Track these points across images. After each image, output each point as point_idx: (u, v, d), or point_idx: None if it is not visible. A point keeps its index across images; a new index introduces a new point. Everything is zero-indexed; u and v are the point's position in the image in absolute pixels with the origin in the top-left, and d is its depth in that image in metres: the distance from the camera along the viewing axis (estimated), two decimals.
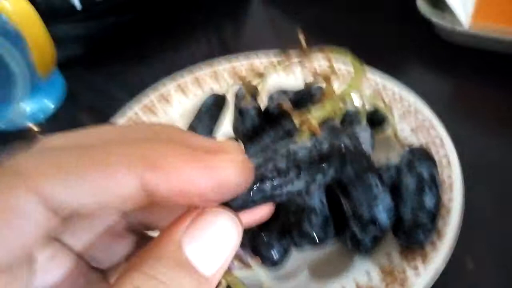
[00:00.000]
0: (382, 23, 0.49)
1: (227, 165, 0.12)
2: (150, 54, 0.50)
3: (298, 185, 0.14)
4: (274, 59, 0.30)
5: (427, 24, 0.44)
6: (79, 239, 0.15)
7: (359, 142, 0.27)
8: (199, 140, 0.14)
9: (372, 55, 0.44)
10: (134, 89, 0.44)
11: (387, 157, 0.32)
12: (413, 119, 0.32)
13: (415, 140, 0.31)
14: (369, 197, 0.23)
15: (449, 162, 0.28)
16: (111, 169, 0.11)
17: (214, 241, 0.12)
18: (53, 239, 0.14)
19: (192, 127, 0.29)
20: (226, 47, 0.52)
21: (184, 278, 0.12)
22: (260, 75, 0.29)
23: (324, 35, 0.51)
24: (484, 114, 0.37)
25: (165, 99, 0.38)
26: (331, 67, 0.28)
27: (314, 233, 0.24)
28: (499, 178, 0.31)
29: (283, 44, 0.29)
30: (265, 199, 0.14)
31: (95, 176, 0.11)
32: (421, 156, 0.26)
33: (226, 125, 0.32)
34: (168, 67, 0.48)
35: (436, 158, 0.29)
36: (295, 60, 0.30)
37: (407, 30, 0.47)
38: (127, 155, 0.12)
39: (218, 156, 0.12)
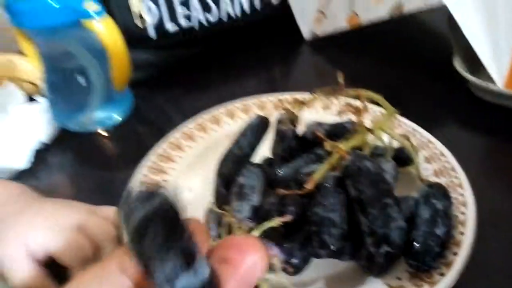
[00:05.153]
0: (419, 79, 0.53)
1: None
2: (205, 84, 0.57)
3: None
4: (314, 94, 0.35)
5: (463, 82, 0.47)
6: None
7: (382, 170, 0.30)
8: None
9: (408, 109, 0.47)
10: (188, 112, 0.50)
11: (409, 193, 0.34)
12: (437, 161, 0.35)
13: (436, 179, 0.33)
14: (384, 216, 0.26)
15: (464, 201, 0.30)
16: None
17: None
18: None
19: (237, 141, 0.34)
20: (273, 85, 0.58)
21: None
22: (301, 103, 0.33)
23: (362, 86, 0.55)
24: None
25: (216, 120, 0.43)
26: (363, 105, 0.32)
27: (332, 243, 0.27)
28: None
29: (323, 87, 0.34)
30: None
31: None
32: (437, 191, 0.29)
33: (265, 147, 0.36)
34: (219, 98, 0.54)
35: (453, 195, 0.31)
36: (333, 95, 0.34)
37: (443, 86, 0.51)
38: None
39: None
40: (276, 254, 0.26)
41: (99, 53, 0.44)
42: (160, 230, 0.13)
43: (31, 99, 0.51)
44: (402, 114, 0.40)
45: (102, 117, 0.47)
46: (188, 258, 0.13)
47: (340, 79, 0.34)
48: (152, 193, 0.14)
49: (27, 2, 0.40)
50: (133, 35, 0.53)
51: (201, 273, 0.14)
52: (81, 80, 0.45)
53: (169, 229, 0.13)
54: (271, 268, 0.27)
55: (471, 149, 0.42)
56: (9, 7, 0.41)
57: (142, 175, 0.36)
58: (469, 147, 0.42)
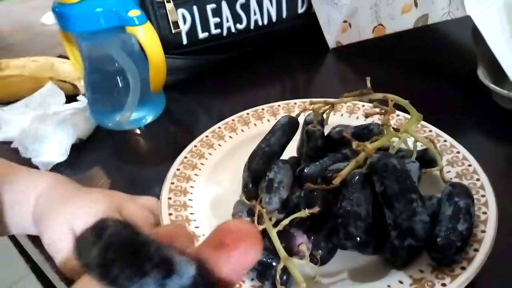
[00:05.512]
0: (443, 88, 0.54)
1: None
2: (232, 89, 0.59)
3: None
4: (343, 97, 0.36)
5: (487, 91, 0.48)
6: None
7: (407, 168, 0.31)
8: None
9: (432, 118, 0.48)
10: (216, 114, 0.53)
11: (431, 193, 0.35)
12: (460, 164, 0.36)
13: (458, 181, 0.34)
14: (409, 210, 0.27)
15: (486, 201, 0.31)
16: None
17: None
18: None
19: (266, 139, 0.35)
20: (297, 91, 0.60)
21: None
22: (329, 105, 0.35)
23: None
24: None
25: (244, 121, 0.45)
26: (390, 107, 0.33)
27: (358, 235, 0.28)
28: None
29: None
30: None
31: None
32: (460, 190, 0.30)
33: (292, 147, 0.38)
34: (245, 102, 0.57)
35: (475, 197, 0.32)
36: (361, 98, 0.36)
37: (467, 96, 0.51)
38: None
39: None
40: (304, 242, 0.28)
41: (138, 57, 0.47)
42: (123, 257, 0.12)
43: (71, 98, 0.55)
44: (426, 122, 0.41)
45: (137, 117, 0.50)
46: (166, 266, 0.13)
47: (368, 83, 0.35)
48: (100, 228, 0.13)
49: (75, 8, 0.44)
50: (168, 41, 0.56)
51: (186, 272, 0.13)
52: (119, 82, 0.48)
53: (132, 252, 0.12)
54: (299, 255, 0.28)
55: (495, 157, 0.43)
56: (57, 12, 0.45)
57: (176, 169, 0.38)
58: (492, 156, 0.43)
